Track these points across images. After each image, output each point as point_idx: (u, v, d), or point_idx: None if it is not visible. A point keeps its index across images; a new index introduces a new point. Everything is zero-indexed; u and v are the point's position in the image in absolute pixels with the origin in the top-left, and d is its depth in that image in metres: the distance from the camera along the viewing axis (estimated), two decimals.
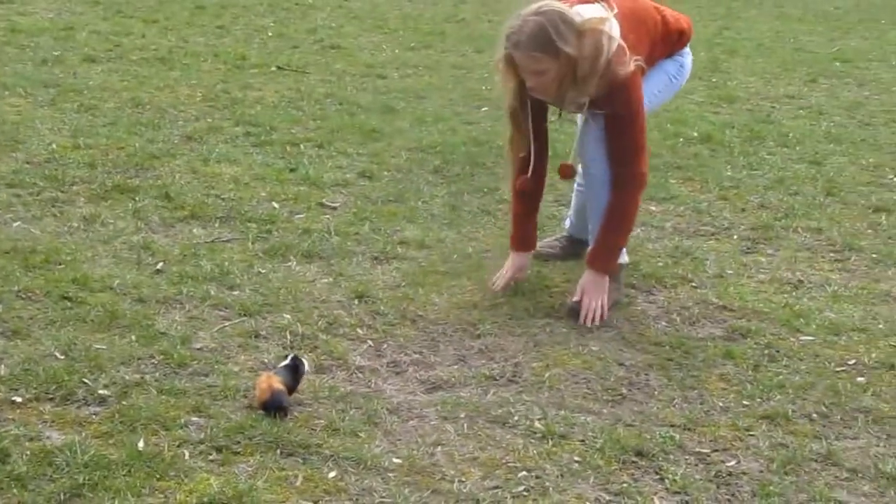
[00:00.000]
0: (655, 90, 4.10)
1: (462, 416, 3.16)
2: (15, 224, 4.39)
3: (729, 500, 2.82)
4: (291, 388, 3.14)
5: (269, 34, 9.19)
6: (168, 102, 6.51)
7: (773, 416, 3.23)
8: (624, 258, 4.09)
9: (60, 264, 4.01)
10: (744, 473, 2.94)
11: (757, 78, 8.51)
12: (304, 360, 3.23)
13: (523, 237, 4.13)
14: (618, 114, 3.81)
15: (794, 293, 4.19)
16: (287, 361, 3.20)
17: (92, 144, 5.49)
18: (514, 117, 3.92)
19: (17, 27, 8.44)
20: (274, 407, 3.06)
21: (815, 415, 3.26)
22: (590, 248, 3.98)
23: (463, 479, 2.84)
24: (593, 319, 3.81)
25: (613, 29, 3.74)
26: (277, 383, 3.09)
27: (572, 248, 4.38)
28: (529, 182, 4.00)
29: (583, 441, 3.05)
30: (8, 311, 3.60)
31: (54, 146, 5.42)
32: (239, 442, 2.93)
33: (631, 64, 3.77)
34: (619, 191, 3.91)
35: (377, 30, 9.90)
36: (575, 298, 3.89)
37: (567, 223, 4.52)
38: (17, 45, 7.78)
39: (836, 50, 10.09)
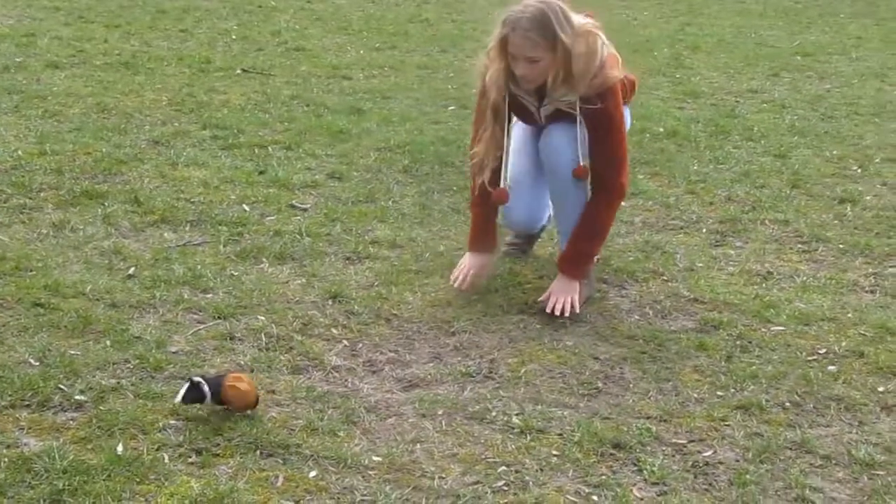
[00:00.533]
0: None
1: (440, 413, 3.18)
2: None
3: (706, 489, 2.86)
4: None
5: (233, 37, 9.16)
6: (134, 107, 6.47)
7: (748, 406, 3.27)
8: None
9: (31, 271, 3.98)
10: (720, 463, 2.98)
11: (720, 73, 8.59)
12: (202, 387, 3.02)
13: (483, 239, 4.08)
14: (602, 118, 3.79)
15: (763, 284, 4.24)
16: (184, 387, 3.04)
17: (58, 150, 5.46)
18: (495, 113, 3.87)
19: None
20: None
21: (788, 404, 3.30)
22: (562, 252, 3.99)
23: (443, 476, 2.85)
24: (562, 312, 3.82)
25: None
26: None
27: (531, 243, 4.41)
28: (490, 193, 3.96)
29: (560, 435, 3.08)
30: None
31: (20, 153, 5.38)
32: (218, 444, 2.93)
33: (620, 72, 3.81)
34: (598, 199, 3.92)
35: (341, 31, 9.89)
36: (542, 298, 3.91)
37: None
38: None
39: (797, 44, 10.19)
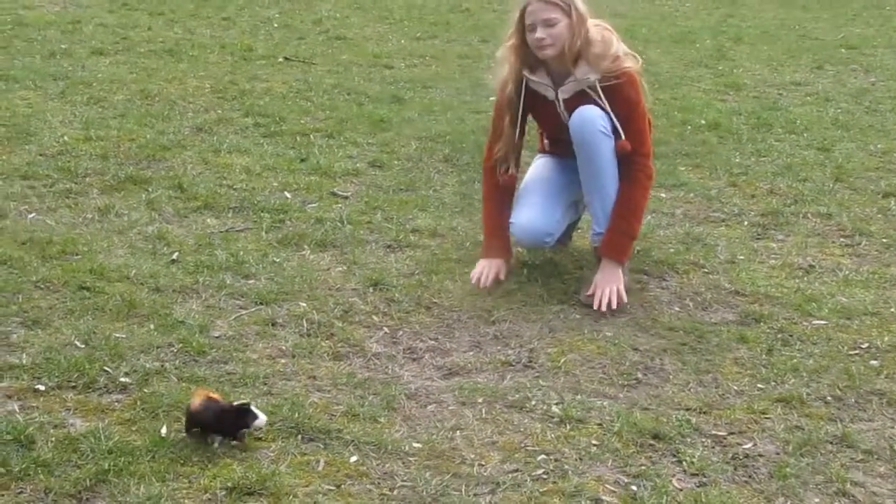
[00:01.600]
0: None
1: (480, 401, 3.19)
2: (30, 215, 4.42)
3: (746, 481, 2.85)
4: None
5: (275, 25, 9.21)
6: (177, 94, 6.53)
7: (788, 399, 3.25)
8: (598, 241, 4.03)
9: (77, 255, 4.04)
10: (760, 455, 2.97)
11: (763, 65, 8.53)
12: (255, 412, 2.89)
13: (497, 246, 4.07)
14: (624, 94, 3.86)
15: (805, 278, 4.22)
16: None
17: (103, 136, 5.52)
18: (510, 106, 3.95)
19: (24, 21, 8.46)
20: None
21: (829, 397, 3.29)
22: (603, 237, 3.99)
23: (483, 463, 2.87)
24: (609, 305, 3.82)
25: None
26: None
27: (567, 230, 4.39)
28: (510, 178, 4.04)
29: (600, 425, 3.08)
30: (27, 301, 3.63)
31: (66, 138, 5.45)
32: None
33: (638, 64, 3.87)
34: (630, 178, 3.93)
35: (382, 20, 9.92)
36: (588, 293, 3.90)
37: None
38: (24, 39, 7.80)
39: (841, 37, 10.10)
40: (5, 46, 7.49)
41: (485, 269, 4.02)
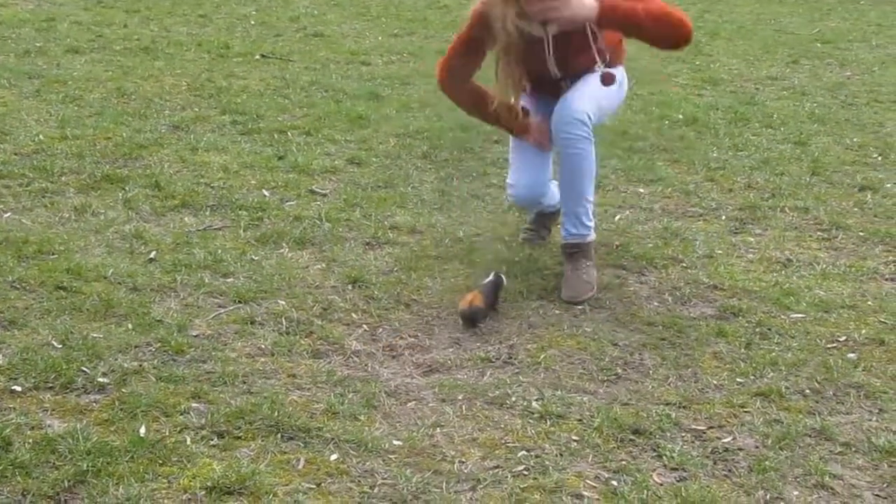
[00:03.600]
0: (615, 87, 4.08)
1: (460, 397, 3.19)
2: (6, 215, 4.39)
3: (726, 475, 2.86)
4: (492, 304, 3.70)
5: (252, 23, 9.18)
6: (153, 92, 6.50)
7: (767, 393, 3.26)
8: (591, 234, 4.04)
9: (53, 254, 4.01)
10: (740, 449, 2.98)
11: (739, 60, 8.56)
12: (503, 277, 3.80)
13: (522, 123, 4.03)
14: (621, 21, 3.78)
15: (783, 272, 4.23)
16: (491, 277, 3.75)
17: (79, 135, 5.49)
18: (507, 51, 3.82)
19: None
20: (468, 319, 3.60)
21: (807, 391, 3.30)
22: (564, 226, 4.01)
23: (463, 460, 2.87)
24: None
25: None
26: (479, 301, 3.62)
27: (547, 226, 4.42)
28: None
29: (580, 420, 3.09)
30: (3, 301, 3.61)
31: (41, 137, 5.41)
32: (240, 427, 2.95)
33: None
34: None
35: (360, 17, 9.89)
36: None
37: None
38: None
39: (816, 31, 10.15)
40: None
41: (538, 134, 4.01)
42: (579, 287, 3.91)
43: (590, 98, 3.91)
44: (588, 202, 3.98)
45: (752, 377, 3.37)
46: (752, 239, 4.59)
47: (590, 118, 3.85)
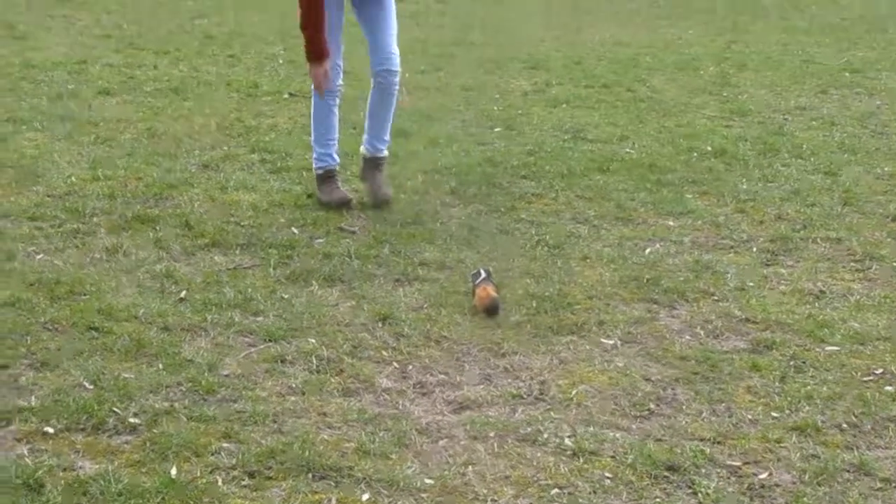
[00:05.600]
0: None
1: (491, 435, 3.17)
2: (38, 256, 4.42)
3: None
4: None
5: (280, 62, 9.24)
6: (183, 132, 6.55)
7: (803, 428, 3.22)
8: (384, 151, 5.32)
9: (85, 295, 4.03)
10: (776, 485, 2.94)
11: (767, 91, 8.52)
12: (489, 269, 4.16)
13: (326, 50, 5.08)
14: None
15: (816, 304, 4.19)
16: (483, 274, 4.05)
17: (110, 176, 5.53)
18: None
19: (32, 62, 8.49)
20: (496, 308, 3.91)
21: (845, 425, 3.26)
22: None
23: (496, 499, 2.84)
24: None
25: None
26: (493, 290, 3.95)
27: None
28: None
29: (613, 457, 3.06)
30: (36, 342, 3.63)
31: (73, 178, 5.45)
32: (271, 467, 2.94)
33: None
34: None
35: None
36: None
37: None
38: (31, 80, 7.83)
39: (844, 61, 10.09)
40: (12, 88, 7.51)
41: (323, 75, 5.09)
42: (388, 189, 5.23)
43: (396, 34, 5.19)
44: (389, 124, 5.29)
45: (787, 411, 3.33)
46: (784, 271, 4.56)
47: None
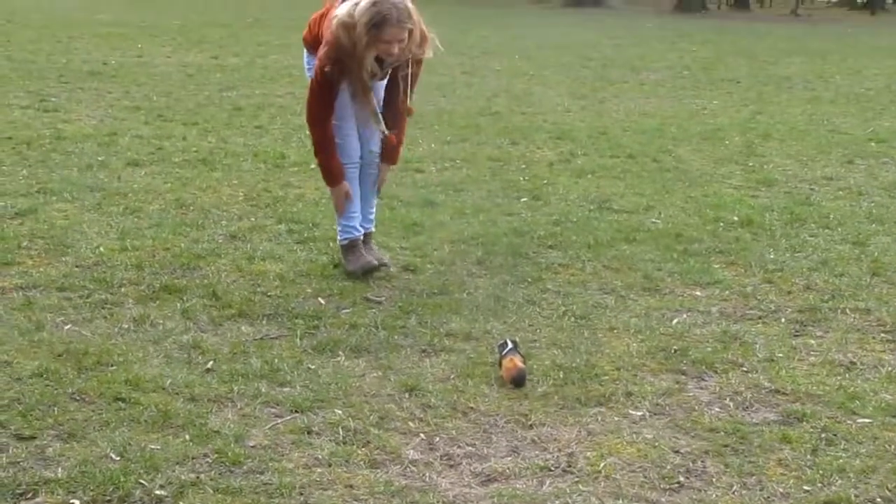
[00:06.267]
0: None
1: None
2: (66, 327, 4.44)
3: None
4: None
5: (306, 133, 9.33)
6: (211, 203, 6.61)
7: (836, 502, 3.18)
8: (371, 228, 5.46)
9: (112, 366, 4.04)
10: None
11: (793, 161, 8.54)
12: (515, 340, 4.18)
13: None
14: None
15: (847, 375, 4.15)
16: (510, 345, 4.07)
17: (138, 246, 5.57)
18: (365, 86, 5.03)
19: (63, 134, 8.63)
20: (523, 380, 3.95)
21: (878, 499, 3.20)
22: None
23: None
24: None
25: None
26: (520, 361, 3.99)
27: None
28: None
29: None
30: (63, 413, 3.63)
31: (102, 249, 5.50)
32: None
33: None
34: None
35: (412, 125, 9.96)
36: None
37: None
38: (62, 152, 7.95)
39: (870, 130, 10.12)
40: (44, 160, 7.62)
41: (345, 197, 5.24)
42: (377, 255, 5.34)
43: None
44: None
45: (819, 485, 3.29)
46: (813, 342, 4.52)
47: None
